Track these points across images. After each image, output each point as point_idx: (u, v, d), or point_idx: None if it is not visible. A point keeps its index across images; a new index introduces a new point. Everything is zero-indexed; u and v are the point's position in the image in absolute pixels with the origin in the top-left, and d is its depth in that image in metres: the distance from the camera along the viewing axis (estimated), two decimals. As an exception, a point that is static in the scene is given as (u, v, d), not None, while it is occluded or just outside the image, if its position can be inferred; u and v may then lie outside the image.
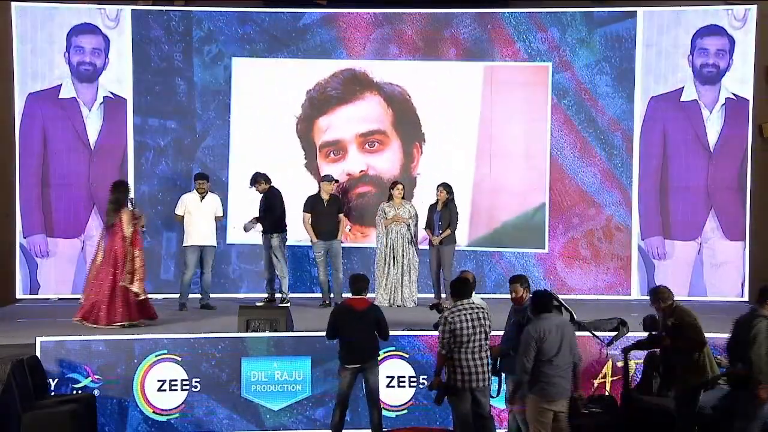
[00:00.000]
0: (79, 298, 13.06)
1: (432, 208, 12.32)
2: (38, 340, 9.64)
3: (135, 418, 9.68)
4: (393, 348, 9.84)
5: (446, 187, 12.26)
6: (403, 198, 12.42)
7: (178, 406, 9.74)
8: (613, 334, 9.89)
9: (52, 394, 9.44)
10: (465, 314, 8.29)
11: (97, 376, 9.58)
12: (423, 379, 9.82)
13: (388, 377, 9.83)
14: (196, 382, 9.73)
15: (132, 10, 13.28)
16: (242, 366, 9.80)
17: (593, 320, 10.19)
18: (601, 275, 13.36)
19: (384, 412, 9.47)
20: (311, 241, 12.41)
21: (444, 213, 12.16)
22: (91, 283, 10.81)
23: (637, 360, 9.69)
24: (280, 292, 12.25)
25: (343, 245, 12.61)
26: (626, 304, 12.74)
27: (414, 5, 13.43)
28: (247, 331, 10.01)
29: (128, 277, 10.69)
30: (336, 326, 9.01)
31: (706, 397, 8.51)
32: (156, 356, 9.71)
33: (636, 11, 13.25)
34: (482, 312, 8.37)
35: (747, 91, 13.19)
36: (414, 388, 9.87)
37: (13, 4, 13.06)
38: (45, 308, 12.64)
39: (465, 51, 13.40)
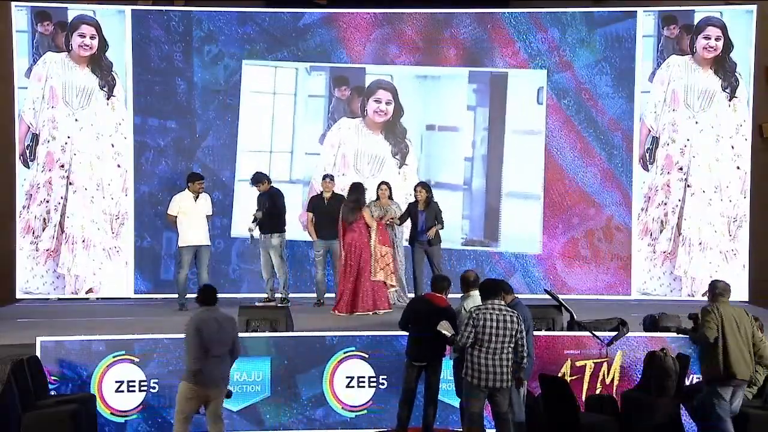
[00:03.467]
0: (79, 299, 13.17)
1: (413, 207, 12.03)
2: (38, 340, 9.60)
3: (135, 419, 9.64)
4: (354, 348, 9.77)
5: (425, 186, 12.12)
6: (389, 197, 12.11)
7: (136, 407, 9.62)
8: (613, 334, 9.88)
9: (52, 393, 9.43)
10: (492, 314, 8.29)
11: (53, 378, 9.47)
12: (383, 379, 9.71)
13: (347, 377, 9.75)
14: (154, 383, 9.61)
15: (132, 10, 13.28)
16: None
17: (593, 320, 10.20)
18: (601, 275, 13.36)
19: (342, 413, 9.62)
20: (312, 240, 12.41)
21: (429, 212, 11.91)
22: (340, 277, 11.68)
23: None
24: (280, 292, 12.25)
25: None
26: (626, 304, 12.75)
27: (414, 5, 13.43)
28: (247, 331, 10.00)
29: (381, 273, 11.55)
30: (410, 316, 9.07)
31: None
32: (114, 357, 9.62)
33: (636, 11, 13.25)
34: (511, 315, 8.34)
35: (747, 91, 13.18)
36: (374, 389, 9.74)
37: (12, 3, 13.06)
38: (45, 308, 12.64)
39: (465, 51, 13.41)
